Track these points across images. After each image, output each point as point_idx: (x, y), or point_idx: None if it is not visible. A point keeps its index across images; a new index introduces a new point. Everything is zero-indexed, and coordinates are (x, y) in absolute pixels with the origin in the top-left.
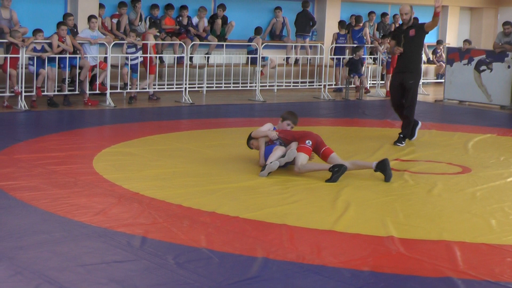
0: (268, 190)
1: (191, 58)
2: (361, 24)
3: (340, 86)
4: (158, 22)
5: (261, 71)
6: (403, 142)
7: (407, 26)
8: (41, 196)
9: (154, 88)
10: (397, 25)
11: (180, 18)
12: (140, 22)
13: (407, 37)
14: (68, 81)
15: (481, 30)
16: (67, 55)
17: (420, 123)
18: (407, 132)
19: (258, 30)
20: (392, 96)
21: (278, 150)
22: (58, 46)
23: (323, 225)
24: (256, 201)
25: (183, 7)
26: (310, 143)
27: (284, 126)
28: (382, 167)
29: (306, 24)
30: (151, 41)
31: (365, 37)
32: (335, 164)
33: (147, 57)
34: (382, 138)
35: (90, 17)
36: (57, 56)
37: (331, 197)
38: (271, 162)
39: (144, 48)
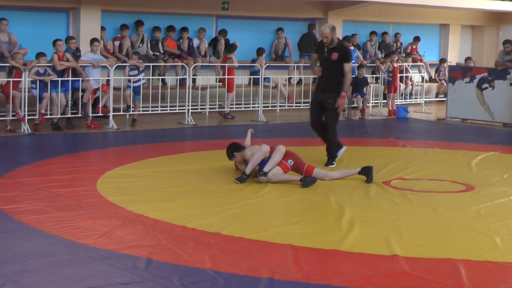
0: (272, 211)
1: (194, 80)
2: (351, 45)
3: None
4: (160, 44)
5: (289, 95)
6: (333, 163)
7: (331, 47)
8: (46, 219)
9: (157, 110)
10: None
11: (181, 40)
12: (141, 44)
13: (329, 59)
14: (70, 104)
15: (483, 48)
16: (70, 78)
17: (344, 147)
18: (333, 151)
19: (260, 51)
20: (311, 114)
21: (279, 154)
22: (61, 64)
23: (328, 245)
24: (261, 221)
25: (184, 29)
26: (292, 163)
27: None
28: (367, 171)
29: (310, 45)
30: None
31: (357, 59)
32: (305, 176)
33: (231, 78)
34: (385, 157)
35: (93, 40)
36: (59, 79)
37: (335, 217)
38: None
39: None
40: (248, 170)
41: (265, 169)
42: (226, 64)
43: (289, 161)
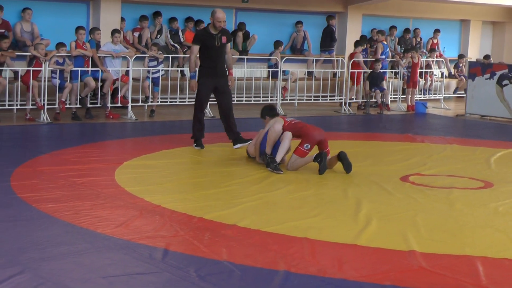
0: (289, 204)
1: None
2: (384, 39)
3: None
4: (180, 34)
5: (284, 86)
6: (244, 142)
7: (218, 32)
8: (64, 208)
9: (176, 102)
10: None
11: None
12: (158, 36)
13: (221, 43)
14: (90, 94)
15: (504, 45)
16: (89, 68)
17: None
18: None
19: (277, 44)
20: (205, 101)
21: (286, 140)
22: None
23: (345, 239)
24: (277, 214)
25: (200, 21)
26: (309, 147)
27: (273, 123)
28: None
29: (330, 38)
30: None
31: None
32: (316, 154)
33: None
34: (403, 152)
35: (114, 32)
36: (79, 69)
37: (352, 211)
38: (276, 164)
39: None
40: (278, 157)
41: (277, 158)
42: (245, 57)
43: (305, 145)
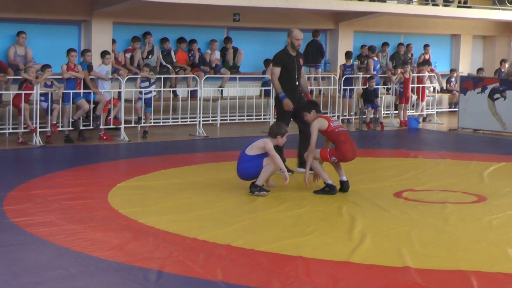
0: (283, 223)
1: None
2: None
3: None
4: (172, 54)
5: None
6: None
7: (296, 53)
8: (57, 231)
9: (168, 122)
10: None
11: (192, 52)
12: (150, 56)
13: (298, 65)
14: (82, 116)
15: (494, 58)
16: (81, 91)
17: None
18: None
19: (267, 62)
20: (287, 124)
21: (270, 167)
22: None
23: (339, 257)
24: (272, 233)
25: (193, 41)
26: (336, 160)
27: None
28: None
29: (317, 54)
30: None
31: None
32: (332, 184)
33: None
34: (396, 168)
35: (104, 53)
36: (71, 92)
37: (346, 228)
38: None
39: None
40: (259, 181)
41: (258, 182)
42: (237, 76)
43: (333, 158)
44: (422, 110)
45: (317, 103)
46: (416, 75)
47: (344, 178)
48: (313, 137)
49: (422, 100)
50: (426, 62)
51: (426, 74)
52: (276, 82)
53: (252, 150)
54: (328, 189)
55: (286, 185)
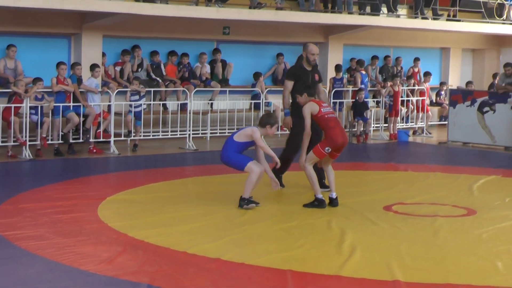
0: (273, 236)
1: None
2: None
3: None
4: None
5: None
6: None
7: (312, 68)
8: (47, 245)
9: (158, 135)
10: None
11: (182, 65)
12: (139, 69)
13: (313, 80)
14: (72, 130)
15: (484, 71)
16: (71, 104)
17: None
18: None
19: (256, 76)
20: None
21: (254, 176)
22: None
23: (329, 270)
24: (261, 247)
25: (184, 55)
26: (329, 150)
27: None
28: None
29: None
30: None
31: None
32: (321, 199)
33: None
34: (386, 181)
35: (93, 66)
36: (60, 105)
37: (336, 242)
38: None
39: None
40: (246, 194)
41: (245, 195)
42: (227, 89)
43: (326, 148)
44: (427, 121)
45: (310, 86)
46: (405, 88)
47: (334, 195)
48: (307, 120)
49: (427, 111)
50: (427, 74)
51: (427, 85)
52: (285, 96)
53: (240, 137)
54: (317, 203)
55: (276, 191)
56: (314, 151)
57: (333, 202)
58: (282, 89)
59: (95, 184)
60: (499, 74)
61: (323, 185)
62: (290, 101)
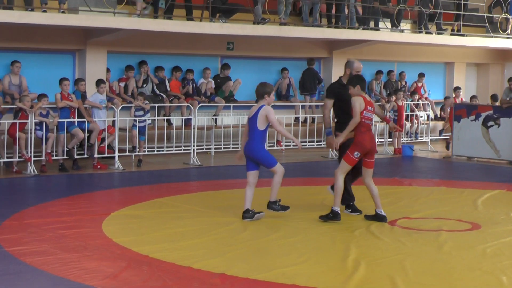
0: (277, 251)
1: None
2: None
3: None
4: (166, 82)
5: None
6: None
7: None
8: (51, 260)
9: (163, 151)
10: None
11: (186, 81)
12: (145, 85)
13: (349, 96)
14: (77, 145)
15: (488, 86)
16: (76, 119)
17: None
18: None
19: None
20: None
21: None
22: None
23: (333, 285)
24: (266, 261)
25: (189, 70)
26: (359, 155)
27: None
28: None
29: (312, 82)
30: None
31: None
32: (337, 211)
33: None
34: (390, 196)
35: (99, 82)
36: (65, 121)
37: (340, 256)
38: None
39: None
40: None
41: (272, 198)
42: (231, 104)
43: (356, 153)
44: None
45: (364, 79)
46: (410, 103)
47: (382, 212)
48: (356, 108)
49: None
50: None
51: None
52: (326, 115)
53: (261, 124)
54: (331, 215)
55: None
56: (345, 158)
57: (383, 219)
58: (286, 104)
59: (100, 199)
60: (498, 94)
61: (355, 210)
62: (334, 119)
